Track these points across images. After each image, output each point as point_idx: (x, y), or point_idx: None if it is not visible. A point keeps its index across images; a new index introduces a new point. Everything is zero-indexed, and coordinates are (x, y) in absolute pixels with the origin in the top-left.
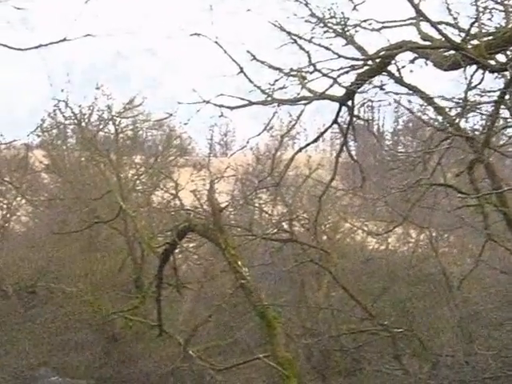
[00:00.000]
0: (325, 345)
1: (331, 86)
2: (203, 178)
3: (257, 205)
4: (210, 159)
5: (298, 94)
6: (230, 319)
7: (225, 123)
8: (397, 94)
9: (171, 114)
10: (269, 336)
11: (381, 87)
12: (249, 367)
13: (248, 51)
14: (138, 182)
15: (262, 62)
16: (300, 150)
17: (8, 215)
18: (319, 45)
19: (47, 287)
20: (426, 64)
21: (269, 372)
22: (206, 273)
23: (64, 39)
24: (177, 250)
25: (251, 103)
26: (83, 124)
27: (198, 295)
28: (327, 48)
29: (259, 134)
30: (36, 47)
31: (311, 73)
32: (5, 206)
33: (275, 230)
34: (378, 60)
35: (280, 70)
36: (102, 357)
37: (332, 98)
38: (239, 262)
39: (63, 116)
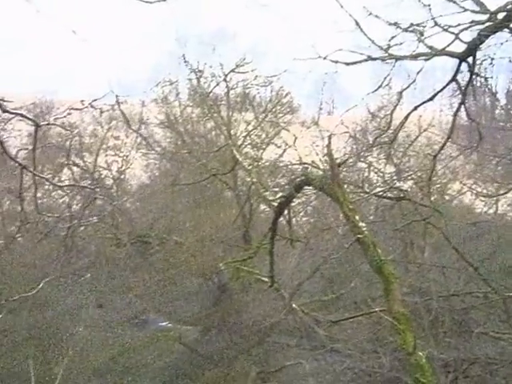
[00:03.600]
0: (434, 305)
1: (453, 41)
2: (314, 135)
3: (368, 162)
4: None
5: (414, 50)
6: (335, 274)
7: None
8: None
9: (284, 71)
10: (385, 291)
11: (502, 44)
12: (351, 323)
13: (364, 6)
14: (248, 138)
15: (379, 18)
16: (416, 107)
17: (123, 168)
18: None
19: (160, 237)
20: None
21: (371, 328)
22: (315, 227)
23: None
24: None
25: (370, 58)
26: (198, 80)
27: (305, 249)
28: (451, 0)
29: (376, 90)
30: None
31: (432, 27)
32: (120, 160)
33: (387, 188)
34: (501, 15)
35: (397, 25)
36: (209, 306)
37: (453, 55)
38: (357, 217)
39: (190, 69)
